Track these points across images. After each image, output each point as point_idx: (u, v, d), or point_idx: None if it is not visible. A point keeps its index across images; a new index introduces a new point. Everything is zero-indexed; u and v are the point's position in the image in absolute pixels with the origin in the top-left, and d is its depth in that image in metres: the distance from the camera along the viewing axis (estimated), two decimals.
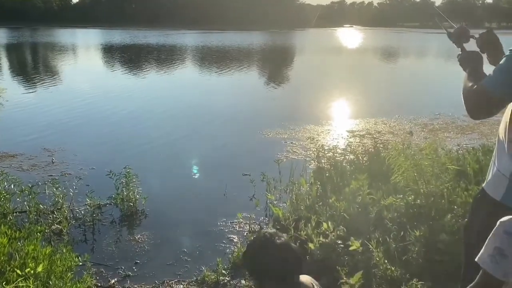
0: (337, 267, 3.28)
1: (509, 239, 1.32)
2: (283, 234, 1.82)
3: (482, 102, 1.70)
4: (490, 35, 1.96)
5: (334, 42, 47.89)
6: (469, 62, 1.91)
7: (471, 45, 2.05)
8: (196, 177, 6.40)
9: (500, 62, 1.67)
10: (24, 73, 20.04)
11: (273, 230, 1.83)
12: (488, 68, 1.84)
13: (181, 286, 3.61)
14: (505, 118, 1.80)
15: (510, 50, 1.66)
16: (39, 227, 3.93)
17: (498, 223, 1.37)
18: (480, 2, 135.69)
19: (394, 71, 23.09)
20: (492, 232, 1.37)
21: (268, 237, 1.75)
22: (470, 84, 1.76)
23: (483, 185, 1.89)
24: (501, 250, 1.33)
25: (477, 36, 2.00)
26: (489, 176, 1.87)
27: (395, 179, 4.05)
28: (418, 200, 3.89)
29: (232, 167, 6.69)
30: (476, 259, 1.40)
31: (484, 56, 1.99)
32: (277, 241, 1.73)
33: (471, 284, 1.42)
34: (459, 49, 2.03)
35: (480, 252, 1.39)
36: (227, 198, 5.51)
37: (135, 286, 3.64)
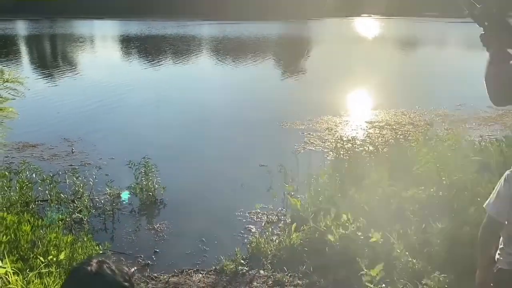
0: (357, 258, 3.24)
1: (505, 184, 1.59)
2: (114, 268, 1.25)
3: (504, 88, 1.62)
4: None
5: (352, 32, 47.22)
6: (492, 41, 1.78)
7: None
8: (214, 167, 6.40)
9: None
10: (44, 63, 20.33)
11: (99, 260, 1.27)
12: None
13: (200, 275, 3.62)
14: None
15: None
16: (60, 216, 4.00)
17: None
18: None
19: (414, 61, 22.68)
20: (499, 181, 1.63)
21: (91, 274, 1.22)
22: (493, 68, 1.68)
23: (508, 172, 1.81)
24: (498, 192, 1.61)
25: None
26: None
27: (417, 170, 3.98)
28: (441, 192, 3.82)
29: (249, 158, 6.67)
30: (484, 205, 1.67)
31: None
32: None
33: (481, 226, 1.70)
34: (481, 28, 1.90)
35: (488, 199, 1.65)
36: (244, 189, 5.50)
37: (155, 274, 3.66)
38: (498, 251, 1.69)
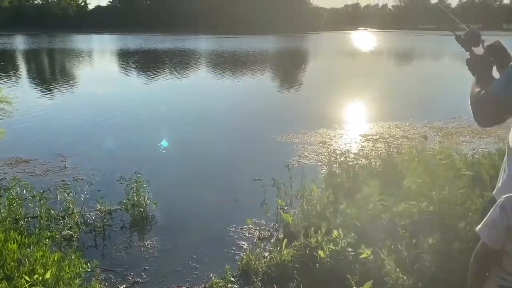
0: (347, 275, 3.21)
1: (501, 213, 1.54)
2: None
3: (490, 110, 1.66)
4: (497, 47, 1.91)
5: (348, 45, 47.62)
6: (478, 67, 1.86)
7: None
8: (207, 182, 6.37)
9: (507, 70, 1.62)
10: (41, 78, 20.38)
11: None
12: (496, 75, 1.78)
13: None
14: None
15: None
16: (49, 233, 3.95)
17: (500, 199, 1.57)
18: (498, 3, 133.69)
19: (409, 74, 22.83)
20: (493, 206, 1.58)
21: None
22: (478, 90, 1.72)
23: (493, 192, 1.83)
24: (494, 221, 1.56)
25: (486, 45, 1.94)
26: (499, 183, 1.81)
27: (407, 184, 3.96)
28: (432, 207, 3.79)
29: (243, 172, 6.65)
30: (476, 229, 1.63)
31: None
32: None
33: (474, 252, 1.65)
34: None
35: (480, 224, 1.61)
36: (237, 204, 5.47)
37: None
38: (487, 273, 1.68)
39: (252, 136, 8.98)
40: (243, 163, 7.18)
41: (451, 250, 3.27)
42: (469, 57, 1.95)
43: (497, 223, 1.55)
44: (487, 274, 1.67)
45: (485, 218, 1.60)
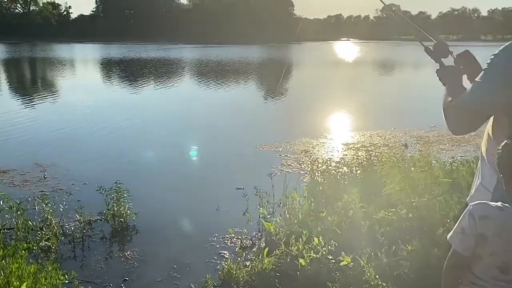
0: (328, 283, 3.22)
1: (470, 220, 1.55)
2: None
3: (463, 117, 1.69)
4: (466, 56, 1.96)
5: (330, 56, 48.20)
6: (448, 77, 1.90)
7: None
8: (188, 191, 6.33)
9: (479, 76, 1.66)
10: (21, 88, 20.08)
11: None
12: (467, 84, 1.82)
13: None
14: (487, 131, 1.78)
15: (487, 63, 1.65)
16: (25, 244, 3.86)
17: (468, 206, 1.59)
18: (476, 15, 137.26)
19: (390, 83, 23.19)
20: (463, 214, 1.59)
21: None
22: (450, 99, 1.75)
23: (467, 199, 1.86)
24: (464, 228, 1.57)
25: (455, 55, 1.98)
26: (472, 190, 1.84)
27: (386, 191, 4.01)
28: (411, 214, 3.84)
29: (225, 181, 6.63)
30: (448, 237, 1.63)
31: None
32: None
33: (446, 260, 1.67)
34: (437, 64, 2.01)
35: (451, 231, 1.63)
36: (219, 213, 5.44)
37: None
38: (460, 280, 1.70)
39: (235, 145, 8.98)
40: (226, 172, 7.16)
41: (429, 256, 3.31)
42: (439, 67, 1.99)
43: (467, 231, 1.56)
44: (460, 281, 1.69)
45: (455, 226, 1.61)
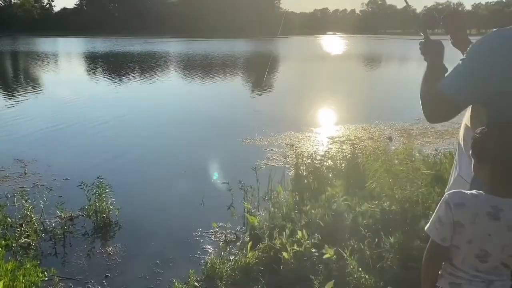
0: (310, 276, 3.21)
1: (446, 209, 1.55)
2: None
3: (440, 109, 1.66)
4: (454, 20, 1.90)
5: (316, 50, 48.25)
6: (430, 51, 1.83)
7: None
8: (172, 186, 6.27)
9: (459, 64, 1.62)
10: (1, 82, 19.65)
11: None
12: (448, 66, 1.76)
13: None
14: (465, 121, 1.76)
15: (467, 52, 1.61)
16: (3, 242, 3.78)
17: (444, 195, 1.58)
18: (460, 9, 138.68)
19: (375, 77, 23.31)
20: (439, 203, 1.59)
21: None
22: (428, 84, 1.70)
23: (445, 190, 1.85)
24: (440, 217, 1.56)
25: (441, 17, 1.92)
26: (450, 181, 1.83)
27: (369, 185, 4.01)
28: (393, 206, 3.86)
29: (210, 175, 6.59)
30: (425, 228, 1.62)
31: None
32: None
33: (425, 251, 1.66)
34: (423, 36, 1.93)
35: (429, 222, 1.62)
36: (203, 208, 5.40)
37: None
38: (440, 271, 1.69)
39: (220, 140, 8.93)
40: (210, 167, 7.11)
41: (412, 248, 3.33)
42: (423, 39, 1.90)
43: (443, 219, 1.55)
44: (440, 272, 1.68)
45: (432, 216, 1.61)
